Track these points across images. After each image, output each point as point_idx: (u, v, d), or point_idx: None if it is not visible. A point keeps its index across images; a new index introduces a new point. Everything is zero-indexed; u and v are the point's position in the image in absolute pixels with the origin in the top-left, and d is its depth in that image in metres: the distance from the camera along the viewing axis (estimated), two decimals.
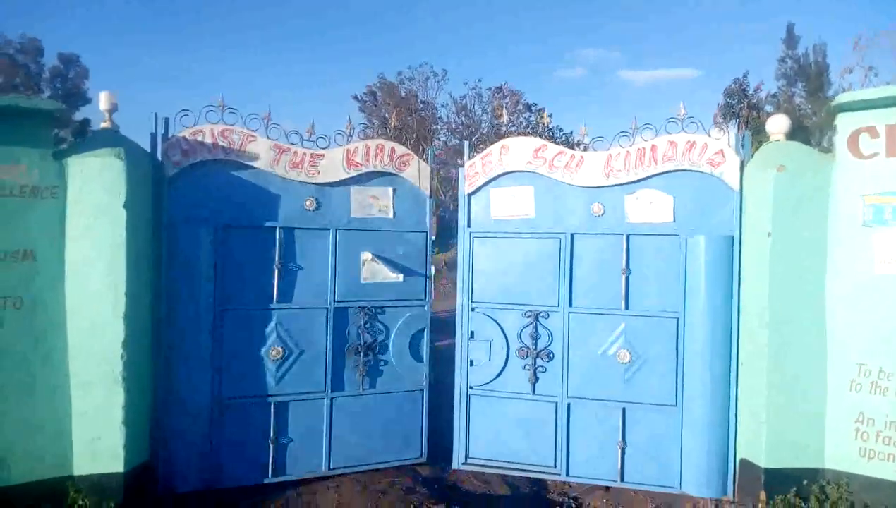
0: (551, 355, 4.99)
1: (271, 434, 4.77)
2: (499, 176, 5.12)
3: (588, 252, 4.94)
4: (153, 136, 4.45)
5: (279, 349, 4.74)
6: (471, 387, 5.15)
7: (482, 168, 5.16)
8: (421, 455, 5.23)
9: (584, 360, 4.92)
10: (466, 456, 5.16)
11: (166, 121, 4.49)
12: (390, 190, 5.17)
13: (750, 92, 33.77)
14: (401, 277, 5.11)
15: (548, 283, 4.98)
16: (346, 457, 4.99)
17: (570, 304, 4.93)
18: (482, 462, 5.13)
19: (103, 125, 4.38)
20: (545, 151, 5.03)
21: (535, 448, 5.03)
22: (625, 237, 4.85)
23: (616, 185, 4.87)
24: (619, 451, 4.85)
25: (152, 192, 4.40)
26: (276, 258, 4.76)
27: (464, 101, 44.16)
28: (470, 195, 5.23)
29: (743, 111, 35.35)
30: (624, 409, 4.85)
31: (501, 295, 5.10)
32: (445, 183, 43.33)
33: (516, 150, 5.08)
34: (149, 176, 4.36)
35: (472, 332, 5.12)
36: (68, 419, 4.04)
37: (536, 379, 5.03)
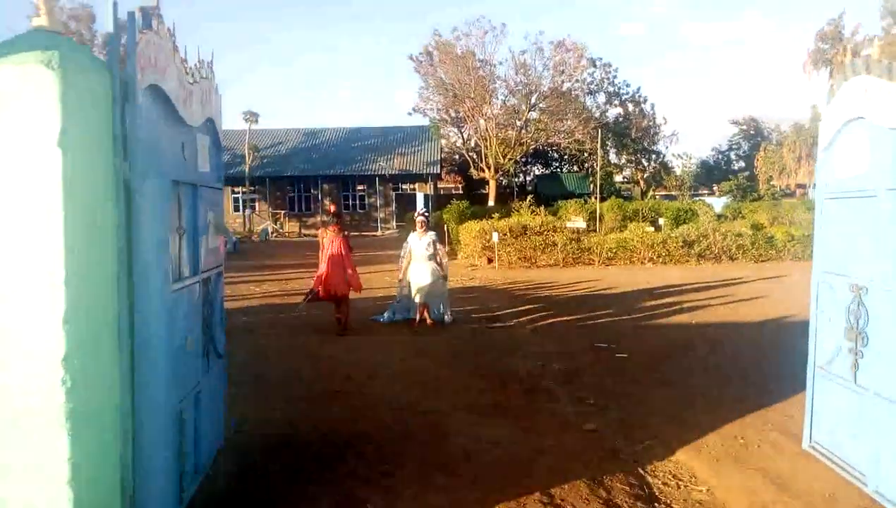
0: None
1: None
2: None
3: None
4: (112, 38, 2.85)
5: None
6: (818, 366, 4.61)
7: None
8: None
9: None
10: (811, 439, 4.69)
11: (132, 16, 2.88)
12: None
13: (846, 35, 30.37)
14: None
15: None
16: None
17: None
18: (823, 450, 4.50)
19: (35, 22, 2.81)
20: None
21: (856, 447, 4.09)
22: None
23: None
24: None
25: (114, 123, 2.82)
26: None
27: (524, 57, 42.18)
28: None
29: (837, 57, 32.06)
30: None
31: (837, 265, 4.38)
32: (503, 145, 41.61)
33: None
34: (106, 98, 2.79)
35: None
36: None
37: (857, 367, 4.07)
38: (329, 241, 8.85)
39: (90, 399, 2.64)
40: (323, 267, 8.80)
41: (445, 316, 9.47)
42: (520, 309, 10.86)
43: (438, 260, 9.32)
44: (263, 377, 6.58)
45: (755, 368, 6.97)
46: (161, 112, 3.12)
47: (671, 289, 12.76)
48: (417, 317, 9.24)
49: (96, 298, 2.68)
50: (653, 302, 11.38)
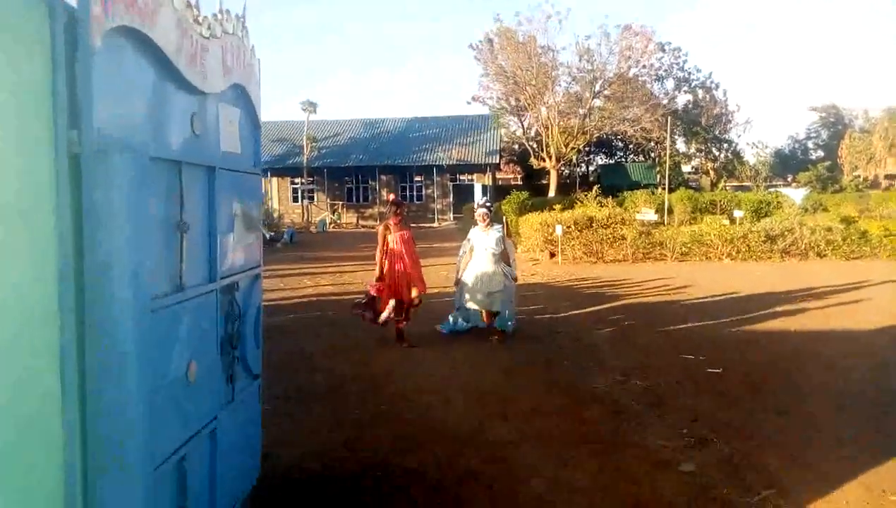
0: None
1: None
2: None
3: None
4: None
5: None
6: None
7: None
8: None
9: None
10: None
11: None
12: None
13: None
14: None
15: None
16: None
17: None
18: None
19: None
20: None
21: None
22: None
23: None
24: None
25: (54, 78, 2.02)
26: None
27: (588, 43, 40.58)
28: None
29: None
30: None
31: None
32: (565, 134, 40.18)
33: None
34: (42, 43, 1.98)
35: None
36: None
37: None
38: (395, 236, 7.37)
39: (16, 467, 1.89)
40: (385, 269, 7.38)
41: (509, 324, 8.09)
42: (589, 310, 9.87)
43: (507, 259, 7.87)
44: (306, 391, 5.85)
45: (887, 392, 5.83)
46: (146, 68, 2.35)
47: (760, 289, 11.49)
48: (487, 326, 7.86)
49: (25, 326, 1.91)
50: (740, 304, 10.18)
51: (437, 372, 6.49)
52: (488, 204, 8.09)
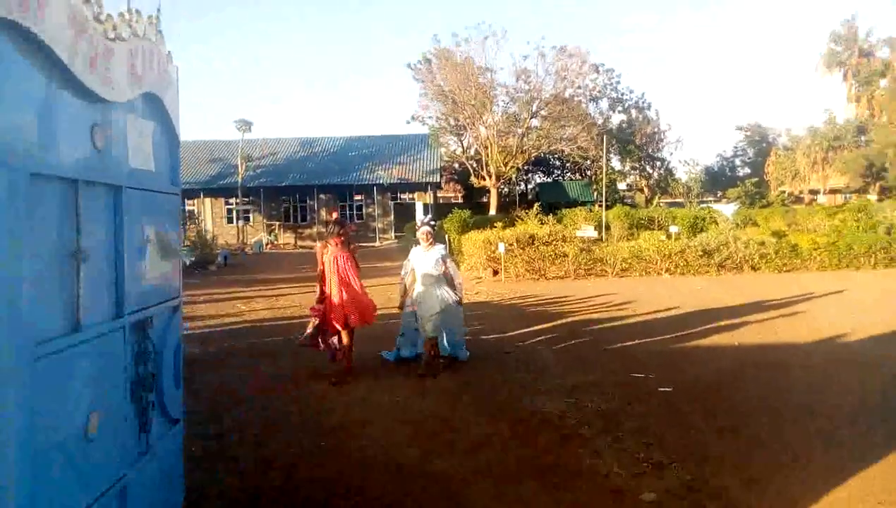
0: None
1: None
2: None
3: None
4: None
5: None
6: None
7: None
8: None
9: None
10: None
11: None
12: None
13: (860, 37, 29.53)
14: None
15: None
16: None
17: None
18: None
19: None
20: None
21: None
22: None
23: None
24: None
25: None
26: None
27: (525, 63, 41.13)
28: None
29: (852, 59, 31.14)
30: None
31: None
32: (504, 153, 40.52)
33: None
34: None
35: None
36: None
37: None
38: (331, 258, 6.79)
39: None
40: (327, 292, 6.78)
41: (459, 352, 7.56)
42: (535, 328, 9.71)
43: (451, 280, 7.29)
44: (238, 429, 5.39)
45: (832, 406, 5.82)
46: (30, 70, 1.99)
47: (701, 304, 11.61)
48: (424, 358, 7.16)
49: None
50: (683, 319, 10.23)
51: (379, 402, 6.13)
52: (432, 222, 7.50)
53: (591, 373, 7.07)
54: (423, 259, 7.18)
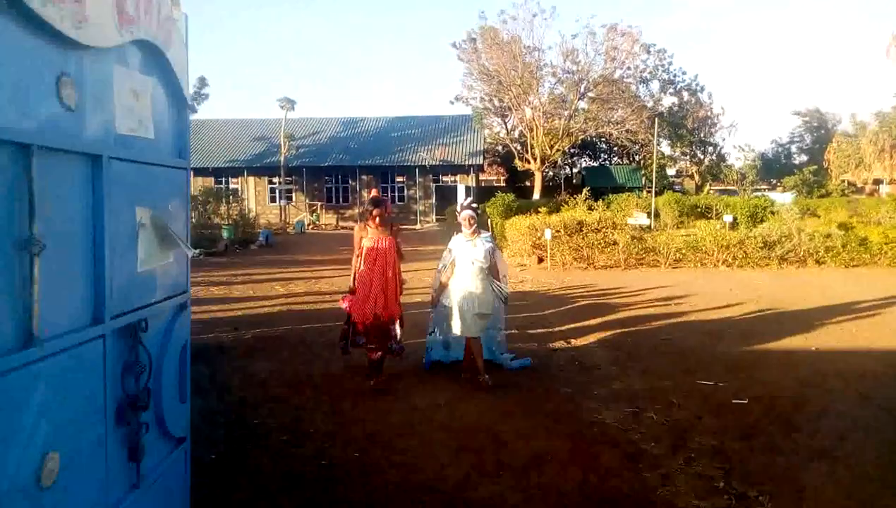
0: None
1: None
2: None
3: None
4: None
5: None
6: None
7: None
8: None
9: None
10: None
11: None
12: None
13: None
14: None
15: None
16: None
17: None
18: None
19: None
20: None
21: None
22: None
23: None
24: None
25: None
26: None
27: (573, 43, 39.81)
28: None
29: None
30: None
31: None
32: (550, 135, 39.45)
33: None
34: None
35: None
36: None
37: None
38: (373, 242, 5.93)
39: None
40: (369, 284, 5.89)
41: (503, 355, 6.69)
42: (586, 324, 9.00)
43: (497, 274, 6.27)
44: (259, 432, 4.89)
45: None
46: None
47: (766, 300, 10.72)
48: (465, 363, 6.34)
49: None
50: (747, 319, 9.40)
51: (419, 407, 5.55)
52: (474, 205, 6.41)
53: (652, 378, 6.38)
54: (468, 250, 6.14)
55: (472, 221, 6.18)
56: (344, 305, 6.18)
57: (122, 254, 2.19)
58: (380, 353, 6.01)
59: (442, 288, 6.33)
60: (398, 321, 6.20)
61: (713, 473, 4.23)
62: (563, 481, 4.10)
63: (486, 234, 6.39)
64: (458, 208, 6.42)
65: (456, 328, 6.17)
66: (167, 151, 2.63)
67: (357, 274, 6.05)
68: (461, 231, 6.27)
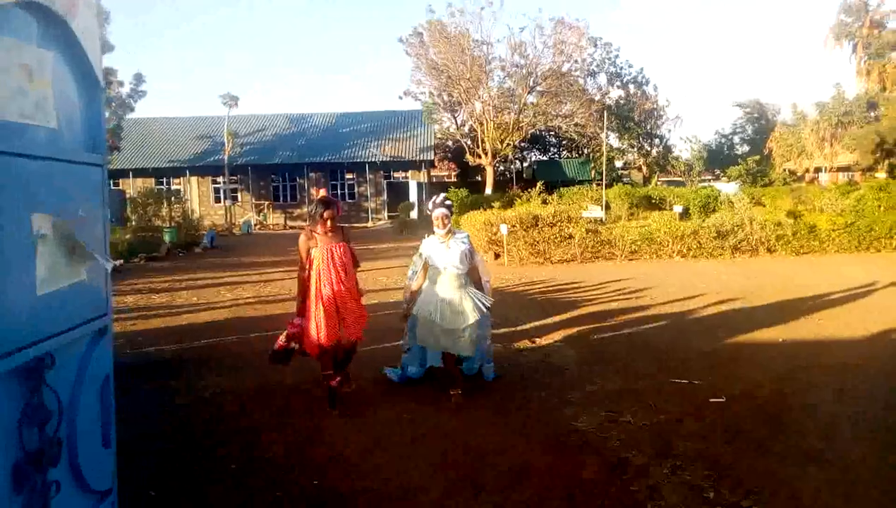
0: None
1: None
2: None
3: None
4: None
5: None
6: None
7: None
8: None
9: None
10: None
11: None
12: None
13: (871, 7, 28.61)
14: None
15: None
16: None
17: None
18: None
19: None
20: None
21: None
22: None
23: None
24: None
25: None
26: None
27: (521, 37, 39.73)
28: None
29: (862, 29, 30.05)
30: None
31: None
32: (500, 130, 39.33)
33: None
34: None
35: None
36: None
37: None
38: (324, 253, 5.06)
39: None
40: (313, 301, 5.05)
41: (483, 366, 6.09)
42: (549, 321, 8.72)
43: (478, 279, 5.67)
44: (208, 460, 4.40)
45: None
46: None
47: (725, 291, 10.66)
48: (447, 369, 5.70)
49: None
50: (711, 310, 9.29)
51: (386, 423, 5.12)
52: (448, 202, 5.60)
53: (625, 378, 6.12)
54: (441, 253, 5.43)
55: (445, 220, 5.48)
56: (292, 331, 5.19)
57: (13, 274, 1.71)
58: (338, 379, 5.29)
59: (413, 297, 5.70)
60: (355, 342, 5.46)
61: (702, 482, 3.96)
62: (547, 498, 3.75)
63: (461, 234, 5.66)
64: (430, 206, 5.60)
65: (431, 344, 5.56)
66: (76, 144, 2.14)
67: (306, 292, 5.14)
68: (434, 233, 5.56)
